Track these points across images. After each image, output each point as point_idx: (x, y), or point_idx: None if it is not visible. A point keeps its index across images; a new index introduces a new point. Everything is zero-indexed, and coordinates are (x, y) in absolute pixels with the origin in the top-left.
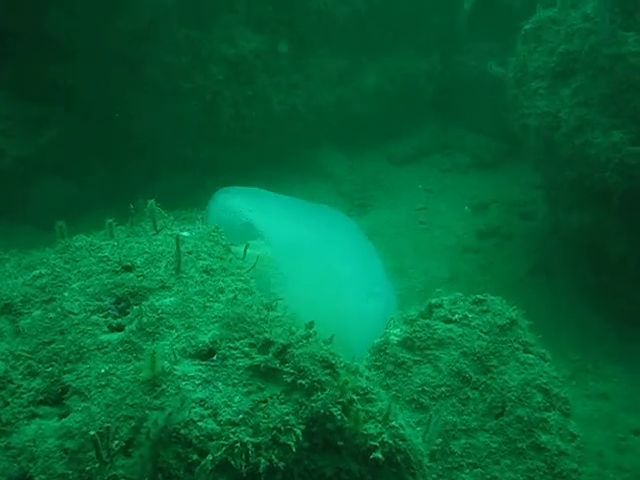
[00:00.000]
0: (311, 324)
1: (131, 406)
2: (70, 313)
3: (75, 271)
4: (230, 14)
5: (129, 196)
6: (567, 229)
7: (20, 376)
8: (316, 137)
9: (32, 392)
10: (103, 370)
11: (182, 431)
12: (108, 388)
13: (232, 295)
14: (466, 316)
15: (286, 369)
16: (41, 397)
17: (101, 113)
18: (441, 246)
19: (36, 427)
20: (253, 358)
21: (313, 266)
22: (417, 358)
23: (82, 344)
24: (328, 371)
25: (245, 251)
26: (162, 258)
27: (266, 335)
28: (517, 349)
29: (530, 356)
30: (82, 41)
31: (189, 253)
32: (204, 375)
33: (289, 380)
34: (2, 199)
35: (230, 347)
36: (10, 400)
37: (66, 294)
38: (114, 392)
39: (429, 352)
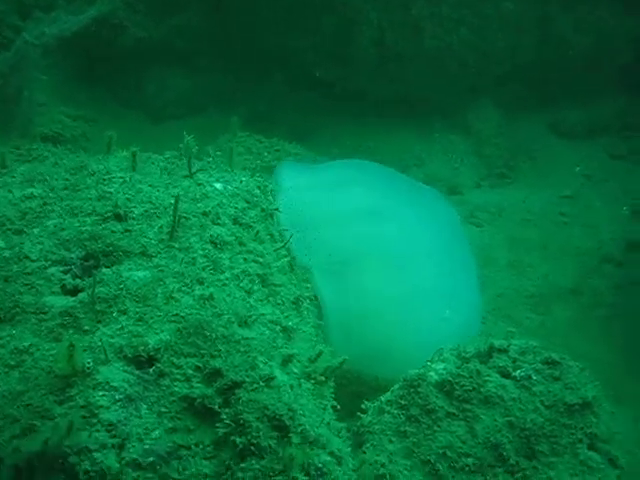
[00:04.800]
0: (290, 358)
1: (26, 406)
2: (26, 258)
3: (66, 202)
4: None
5: (238, 105)
6: None
7: None
8: (471, 85)
9: None
10: (23, 345)
11: (71, 459)
12: (16, 372)
13: (210, 291)
14: (530, 377)
15: (224, 416)
16: None
17: (234, 9)
18: (577, 248)
19: None
20: (192, 387)
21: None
22: (452, 410)
23: (21, 302)
24: (276, 434)
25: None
26: (165, 214)
27: (217, 363)
28: (580, 441)
29: (595, 456)
30: None
31: (204, 214)
32: (129, 390)
33: (221, 432)
34: (116, 80)
35: (173, 363)
36: None
37: (36, 231)
38: (19, 379)
39: (468, 407)
